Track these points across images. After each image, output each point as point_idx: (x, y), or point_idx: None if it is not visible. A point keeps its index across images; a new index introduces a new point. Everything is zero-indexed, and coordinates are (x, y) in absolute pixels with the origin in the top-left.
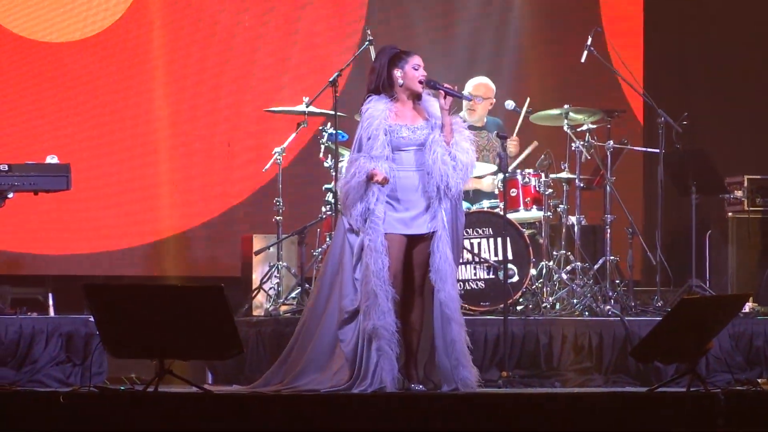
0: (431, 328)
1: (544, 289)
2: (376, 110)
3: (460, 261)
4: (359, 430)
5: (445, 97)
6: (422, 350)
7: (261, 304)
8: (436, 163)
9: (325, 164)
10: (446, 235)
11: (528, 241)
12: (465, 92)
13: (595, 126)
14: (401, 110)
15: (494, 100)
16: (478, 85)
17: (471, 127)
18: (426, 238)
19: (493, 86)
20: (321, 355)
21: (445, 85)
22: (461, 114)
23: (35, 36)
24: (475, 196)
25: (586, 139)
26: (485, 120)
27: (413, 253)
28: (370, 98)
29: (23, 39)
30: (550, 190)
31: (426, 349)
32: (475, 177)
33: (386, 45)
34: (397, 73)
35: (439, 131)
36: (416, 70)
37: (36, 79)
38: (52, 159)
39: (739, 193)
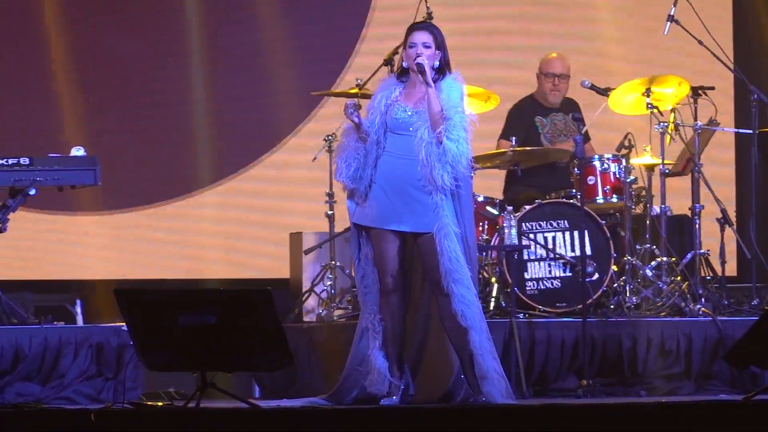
0: (443, 337)
1: (627, 288)
2: (384, 89)
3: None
4: None
5: (416, 71)
6: (431, 357)
7: (312, 308)
8: (420, 151)
9: None
10: (452, 230)
11: (608, 235)
12: (543, 72)
13: (680, 105)
14: (411, 92)
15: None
16: (554, 60)
17: (548, 110)
18: (428, 237)
19: (568, 62)
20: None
21: (417, 60)
22: (546, 96)
23: None
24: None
25: (672, 119)
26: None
27: (414, 255)
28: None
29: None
30: (632, 177)
31: (437, 354)
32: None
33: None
34: (403, 53)
35: (425, 114)
36: (412, 48)
37: (58, 62)
38: (78, 151)
39: None
